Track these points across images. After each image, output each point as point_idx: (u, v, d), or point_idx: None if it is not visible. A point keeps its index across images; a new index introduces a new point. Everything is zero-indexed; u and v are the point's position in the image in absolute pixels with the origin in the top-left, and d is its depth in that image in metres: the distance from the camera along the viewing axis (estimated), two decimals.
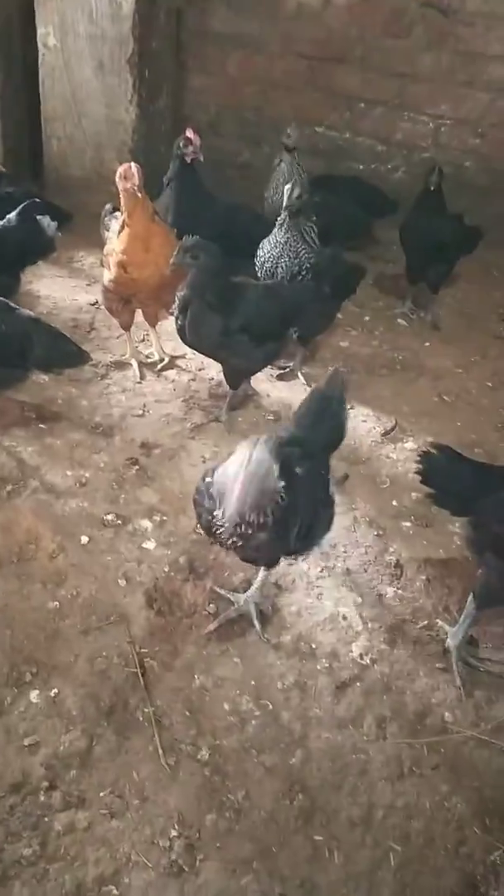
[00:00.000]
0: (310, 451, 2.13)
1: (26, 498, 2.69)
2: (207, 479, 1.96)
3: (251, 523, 1.79)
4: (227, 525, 1.79)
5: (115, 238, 3.06)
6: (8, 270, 3.19)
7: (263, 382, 3.49)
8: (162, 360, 3.51)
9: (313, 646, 2.30)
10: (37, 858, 1.76)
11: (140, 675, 2.15)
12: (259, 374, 3.34)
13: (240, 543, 1.89)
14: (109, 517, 2.65)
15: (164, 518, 2.68)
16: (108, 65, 4.35)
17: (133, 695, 2.11)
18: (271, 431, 2.20)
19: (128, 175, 2.91)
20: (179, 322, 2.88)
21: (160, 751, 1.98)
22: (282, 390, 3.45)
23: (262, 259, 3.27)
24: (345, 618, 2.39)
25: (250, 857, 1.80)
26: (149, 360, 3.53)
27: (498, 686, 2.25)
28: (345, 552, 2.63)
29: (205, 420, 3.19)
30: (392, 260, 4.46)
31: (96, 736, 2.00)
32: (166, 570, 2.48)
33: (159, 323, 3.47)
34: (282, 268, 3.19)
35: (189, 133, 3.61)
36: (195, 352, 3.15)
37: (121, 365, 3.48)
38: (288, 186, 3.11)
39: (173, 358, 3.54)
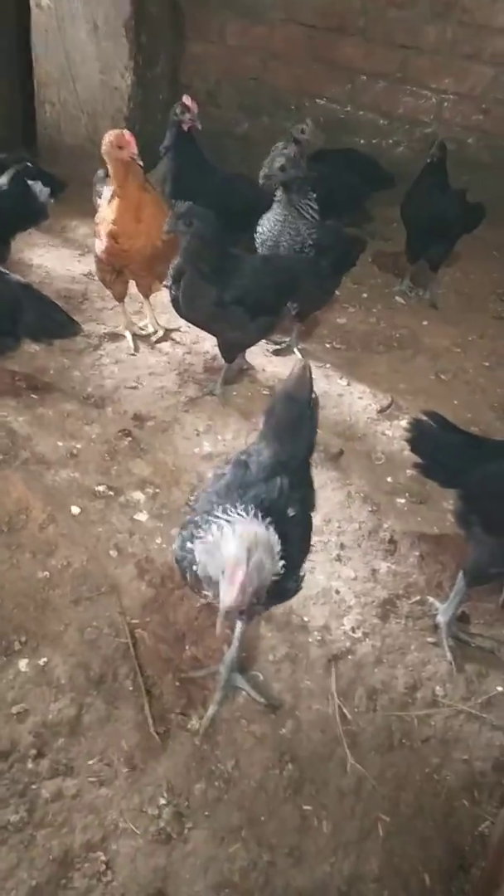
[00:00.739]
0: (297, 474, 1.89)
1: (17, 468, 2.65)
2: (185, 537, 1.73)
3: (247, 605, 1.56)
4: (221, 610, 1.53)
5: (107, 206, 2.98)
6: None
7: (259, 357, 3.44)
8: (156, 332, 3.46)
9: (305, 619, 2.29)
10: (24, 825, 1.75)
11: (131, 645, 2.13)
12: (255, 348, 3.30)
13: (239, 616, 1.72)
14: (101, 488, 2.61)
15: (157, 490, 2.65)
16: (104, 28, 4.23)
17: (123, 664, 2.09)
18: (249, 452, 1.95)
19: (122, 143, 2.81)
20: (173, 293, 2.82)
21: (150, 720, 1.97)
22: (277, 365, 3.41)
23: (263, 237, 3.20)
24: (337, 592, 2.38)
25: (239, 826, 1.80)
26: (143, 332, 3.48)
27: (489, 661, 2.25)
28: (339, 527, 2.62)
29: (199, 393, 3.15)
30: (391, 237, 4.41)
31: (85, 705, 1.99)
32: (158, 541, 2.46)
33: (154, 295, 3.41)
34: (283, 246, 3.13)
35: (186, 100, 3.53)
36: (189, 324, 3.10)
37: (114, 336, 3.42)
38: (268, 160, 3.02)
39: (168, 330, 3.48)
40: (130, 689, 2.04)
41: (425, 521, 2.69)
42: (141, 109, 4.51)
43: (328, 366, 3.45)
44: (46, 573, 2.31)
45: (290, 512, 1.80)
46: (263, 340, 3.29)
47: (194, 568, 1.68)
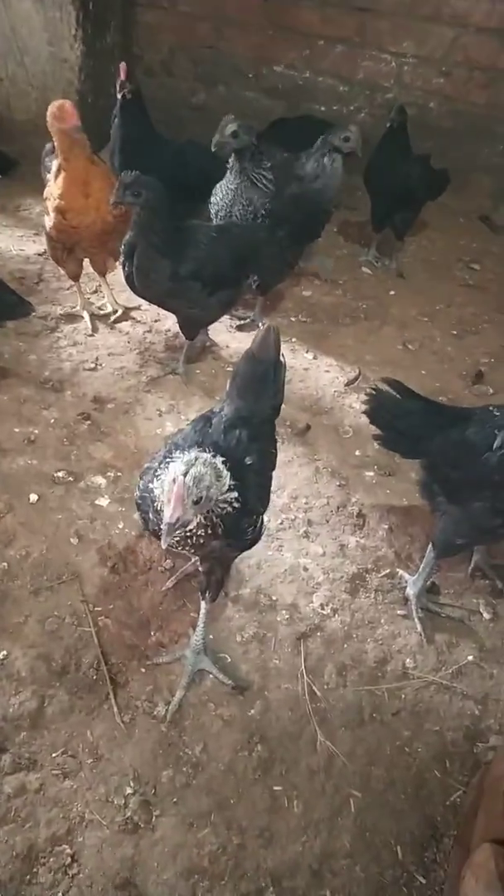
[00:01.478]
0: (258, 428, 1.91)
1: None
2: (145, 481, 1.73)
3: (199, 534, 1.60)
4: (166, 538, 1.54)
5: (53, 181, 2.85)
6: None
7: (222, 333, 3.36)
8: (115, 311, 3.35)
9: (273, 598, 2.24)
10: None
11: (94, 633, 2.07)
12: (217, 324, 3.21)
13: (193, 550, 1.71)
14: (60, 474, 2.53)
15: (119, 474, 2.58)
16: None
17: (87, 653, 2.03)
18: (213, 410, 1.97)
19: (63, 114, 2.67)
20: (126, 269, 2.72)
21: (115, 708, 1.91)
22: (241, 341, 3.32)
23: (216, 206, 3.09)
24: (305, 569, 2.34)
25: (208, 811, 1.77)
26: (101, 312, 3.37)
27: (459, 630, 2.22)
28: (306, 504, 2.57)
29: (161, 373, 3.07)
30: (356, 207, 4.32)
31: (48, 697, 1.93)
32: (121, 526, 2.39)
33: (111, 273, 3.30)
34: (236, 216, 3.02)
35: (121, 68, 3.39)
36: (147, 301, 3.00)
37: (71, 317, 3.31)
38: (222, 123, 2.90)
39: (127, 309, 3.38)
40: (94, 678, 1.98)
41: (394, 493, 2.65)
42: (92, 81, 4.34)
43: (294, 340, 3.38)
44: (4, 564, 2.23)
45: (248, 460, 1.81)
46: (226, 316, 3.21)
47: (156, 505, 1.63)
